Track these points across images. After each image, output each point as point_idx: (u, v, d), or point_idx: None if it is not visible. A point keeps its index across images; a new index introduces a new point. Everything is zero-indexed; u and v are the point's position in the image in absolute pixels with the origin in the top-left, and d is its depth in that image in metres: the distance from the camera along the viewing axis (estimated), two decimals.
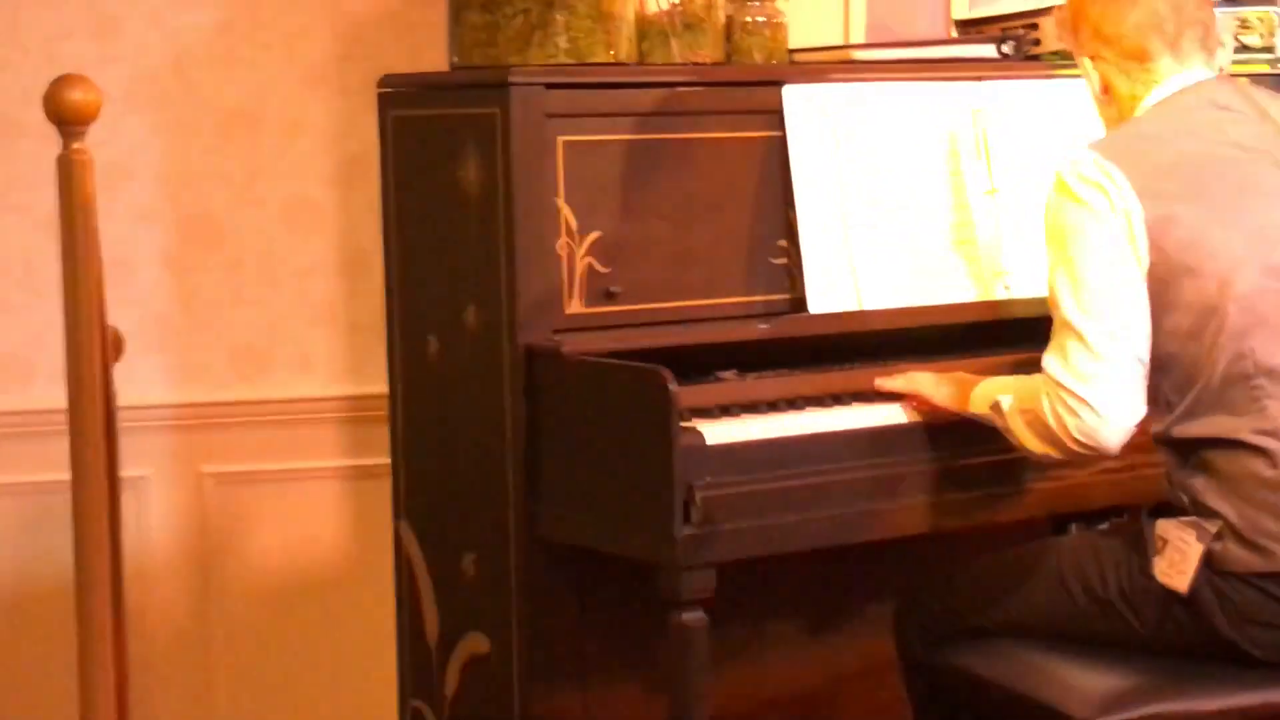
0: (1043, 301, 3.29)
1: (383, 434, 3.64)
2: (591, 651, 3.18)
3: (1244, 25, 3.65)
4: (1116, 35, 2.88)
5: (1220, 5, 3.66)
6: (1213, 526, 2.71)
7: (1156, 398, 2.78)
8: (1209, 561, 2.71)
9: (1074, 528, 3.41)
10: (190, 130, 3.81)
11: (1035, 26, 3.47)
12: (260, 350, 3.90)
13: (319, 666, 3.89)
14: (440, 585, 3.28)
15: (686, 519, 2.84)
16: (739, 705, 3.27)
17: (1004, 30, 3.49)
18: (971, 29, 3.55)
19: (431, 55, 3.70)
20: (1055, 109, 3.44)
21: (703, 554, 2.86)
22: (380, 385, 3.74)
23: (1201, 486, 2.74)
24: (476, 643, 3.21)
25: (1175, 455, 2.78)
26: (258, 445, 3.89)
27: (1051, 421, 2.75)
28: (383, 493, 3.63)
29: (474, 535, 3.19)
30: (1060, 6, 3.02)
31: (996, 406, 2.89)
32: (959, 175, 3.35)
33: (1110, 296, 2.73)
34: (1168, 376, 2.75)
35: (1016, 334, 3.26)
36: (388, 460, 3.58)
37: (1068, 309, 2.75)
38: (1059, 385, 2.74)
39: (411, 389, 3.32)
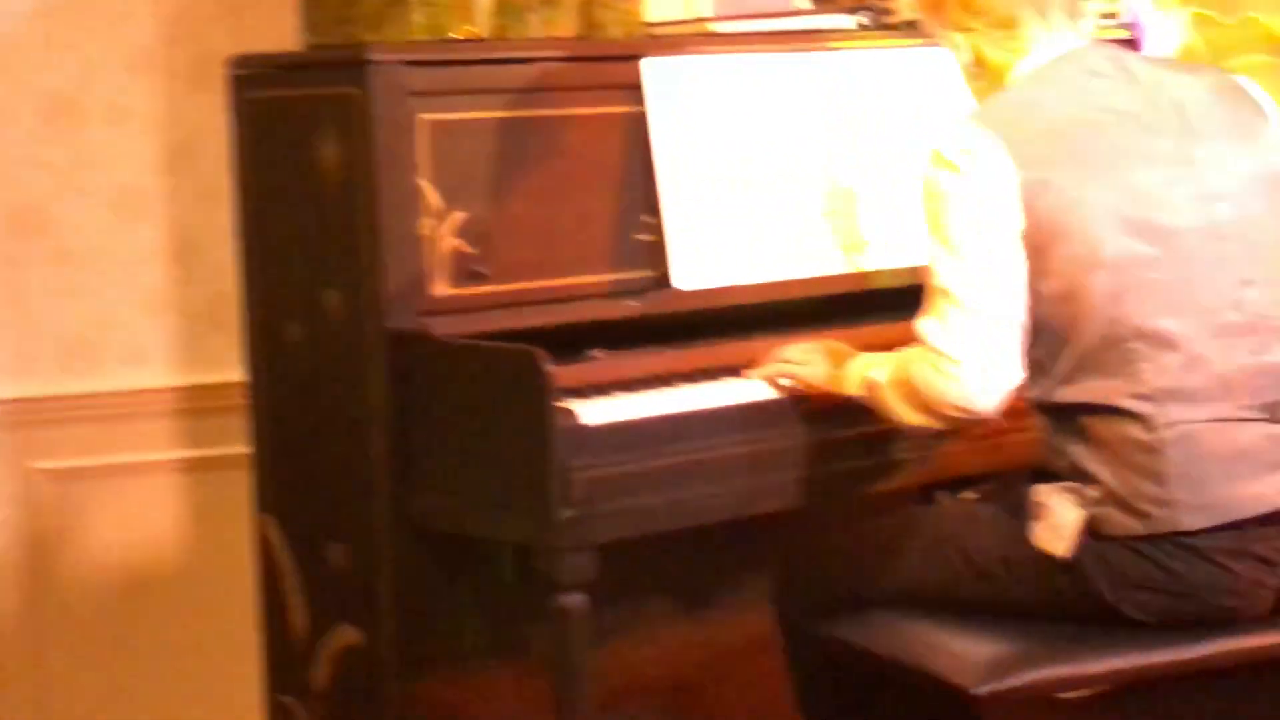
0: (905, 272, 3.34)
1: (225, 424, 3.57)
2: (468, 639, 3.13)
3: None
4: (985, 6, 2.87)
5: None
6: (1092, 491, 2.72)
7: (1032, 363, 2.78)
8: (1089, 526, 2.72)
9: (940, 496, 3.41)
10: (10, 117, 3.67)
11: None
12: (91, 342, 3.78)
13: (169, 667, 3.78)
14: (307, 578, 3.20)
15: (565, 501, 2.81)
16: (618, 687, 3.23)
17: (859, 1, 3.49)
18: (827, 0, 3.53)
19: (260, 36, 3.60)
20: (912, 79, 3.44)
21: (583, 536, 2.82)
22: (219, 374, 3.67)
23: (1079, 451, 2.74)
24: (347, 635, 3.14)
25: (1052, 420, 2.79)
26: (91, 439, 3.77)
27: (929, 388, 2.74)
28: (229, 485, 3.55)
29: (343, 525, 3.11)
30: None
31: (870, 384, 2.87)
32: (818, 146, 3.33)
33: (986, 262, 2.72)
34: (1043, 341, 2.75)
35: (880, 304, 3.26)
36: (232, 451, 3.50)
37: (944, 275, 2.74)
38: (937, 351, 2.73)
39: (271, 378, 3.24)
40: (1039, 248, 2.72)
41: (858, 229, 3.35)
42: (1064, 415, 2.76)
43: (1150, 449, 2.69)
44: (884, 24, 3.49)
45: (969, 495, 3.31)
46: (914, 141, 3.38)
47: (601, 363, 3.08)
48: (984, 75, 2.91)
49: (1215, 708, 2.76)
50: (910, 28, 3.46)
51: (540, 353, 2.80)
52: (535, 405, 2.80)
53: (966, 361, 2.71)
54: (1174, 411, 2.69)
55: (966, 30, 2.89)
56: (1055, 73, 2.83)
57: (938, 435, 3.03)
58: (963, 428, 2.91)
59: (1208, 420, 2.69)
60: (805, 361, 3.04)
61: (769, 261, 3.26)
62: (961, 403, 2.72)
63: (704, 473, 2.94)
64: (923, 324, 2.76)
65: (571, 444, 2.82)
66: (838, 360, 3.00)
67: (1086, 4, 2.90)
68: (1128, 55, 2.91)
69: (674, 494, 2.91)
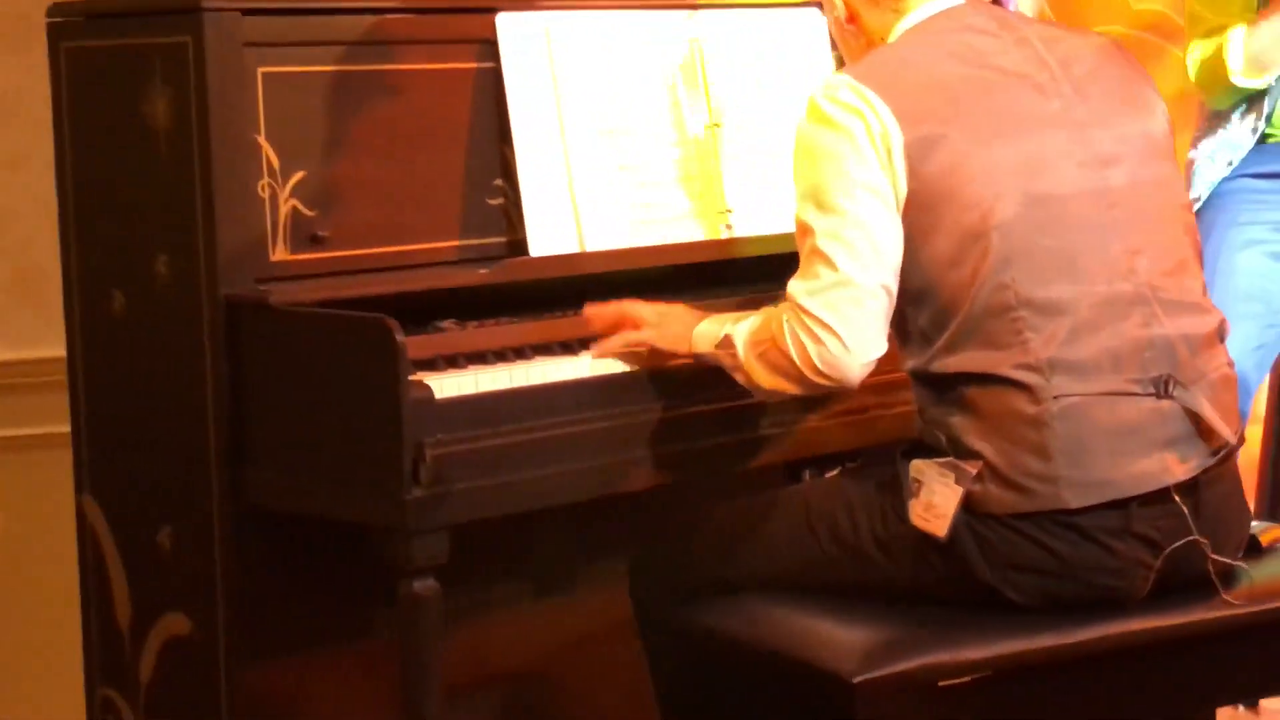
0: (766, 240, 3.21)
1: (41, 402, 3.36)
2: (307, 624, 2.94)
3: None
4: None
5: None
6: (972, 467, 2.58)
7: (913, 331, 2.65)
8: (968, 504, 2.58)
9: (808, 474, 3.28)
10: None
11: None
12: None
13: None
14: (132, 563, 2.98)
15: (416, 480, 2.63)
16: (468, 673, 3.06)
17: None
18: None
19: None
20: (776, 40, 3.30)
21: (435, 517, 2.65)
22: (28, 350, 3.46)
23: (960, 424, 2.61)
24: (175, 623, 2.93)
25: (932, 391, 2.65)
26: None
27: (793, 350, 2.60)
28: (41, 466, 3.35)
29: (172, 507, 2.90)
30: None
31: (726, 342, 2.73)
32: (679, 108, 3.18)
33: (862, 224, 2.59)
34: (926, 308, 2.62)
35: (741, 273, 3.13)
36: (50, 430, 3.29)
37: (818, 235, 2.60)
38: (805, 311, 2.59)
39: (94, 350, 3.01)
40: (925, 209, 2.59)
41: (717, 195, 3.20)
42: (945, 386, 2.63)
43: (1035, 422, 2.56)
44: None
45: (833, 474, 3.19)
46: (780, 106, 3.26)
47: (452, 334, 2.91)
48: (860, 34, 2.79)
49: (1098, 693, 2.64)
50: None
51: (391, 322, 2.62)
52: (386, 378, 2.62)
53: (837, 327, 2.57)
54: (1061, 384, 2.56)
55: None
56: (938, 28, 2.71)
57: (794, 403, 2.90)
58: (819, 395, 2.77)
59: (1095, 394, 2.57)
60: (649, 321, 2.87)
61: (627, 228, 3.10)
62: (826, 368, 2.59)
63: (562, 449, 2.78)
64: (794, 285, 2.62)
65: (423, 418, 2.64)
66: (685, 322, 2.84)
67: None
68: (1011, 15, 2.80)
69: (530, 472, 2.74)
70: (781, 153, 3.23)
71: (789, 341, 2.61)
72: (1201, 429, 2.62)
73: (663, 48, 3.17)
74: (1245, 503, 2.74)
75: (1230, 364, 2.72)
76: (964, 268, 2.59)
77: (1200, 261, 2.76)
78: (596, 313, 2.91)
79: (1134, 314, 2.62)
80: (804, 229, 2.63)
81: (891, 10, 2.74)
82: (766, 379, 2.68)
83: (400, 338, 2.61)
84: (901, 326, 2.67)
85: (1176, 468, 2.59)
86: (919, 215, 2.60)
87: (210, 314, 2.81)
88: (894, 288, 2.61)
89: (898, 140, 2.58)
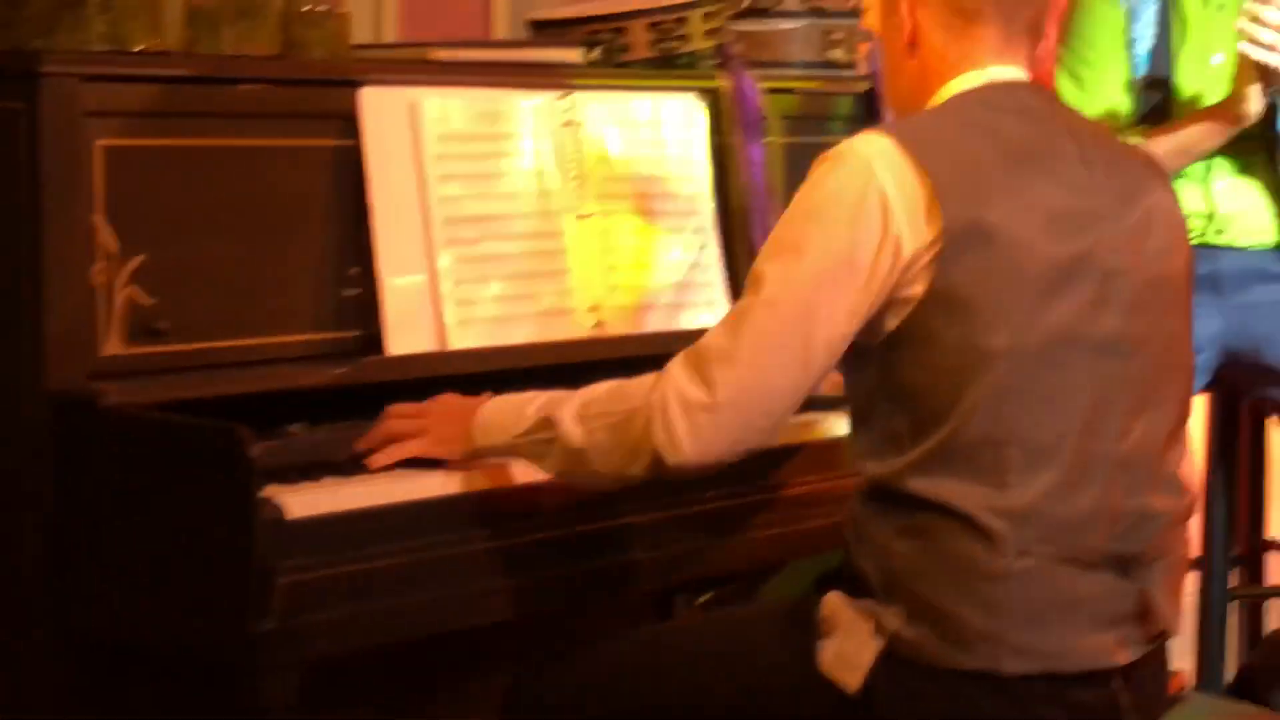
0: (640, 339, 2.99)
1: None
2: None
3: (830, 39, 3.39)
4: None
5: (807, 16, 3.41)
6: (903, 611, 2.33)
7: (885, 431, 2.36)
8: (892, 648, 2.34)
9: (679, 602, 3.05)
10: None
11: (623, 30, 3.10)
12: None
13: None
14: None
15: (267, 611, 2.35)
16: None
17: (589, 33, 3.11)
18: (551, 31, 3.14)
19: None
20: (653, 127, 3.10)
21: (287, 652, 2.37)
22: None
23: (905, 558, 2.34)
24: None
25: (882, 507, 2.37)
26: None
27: (659, 421, 2.32)
28: None
29: None
30: None
31: (548, 421, 2.46)
32: (552, 195, 2.95)
33: (825, 302, 2.31)
34: (909, 412, 2.34)
35: (612, 374, 2.89)
36: None
37: (770, 292, 2.32)
38: (708, 368, 2.31)
39: None
40: (944, 309, 2.30)
41: (593, 291, 2.97)
42: (904, 508, 2.35)
43: (990, 577, 2.31)
44: (618, 62, 3.12)
45: (703, 600, 2.98)
46: (657, 198, 3.07)
47: (303, 439, 2.65)
48: (914, 57, 2.48)
49: None
50: (648, 65, 3.12)
51: (244, 430, 2.34)
52: (234, 495, 2.34)
53: (727, 404, 2.31)
54: (1030, 540, 2.32)
55: (919, 4, 2.46)
56: (1000, 105, 2.43)
57: (672, 522, 2.69)
58: (664, 476, 2.42)
59: (1062, 559, 2.34)
60: (413, 429, 2.63)
61: (494, 324, 2.86)
62: (691, 449, 2.32)
63: (437, 573, 2.52)
64: (700, 345, 2.36)
65: (274, 541, 2.36)
66: (457, 417, 2.60)
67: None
68: (1075, 117, 2.56)
69: (399, 599, 2.48)
70: (655, 248, 3.06)
71: (661, 405, 2.34)
72: (1148, 614, 2.41)
73: (537, 130, 2.95)
74: (1167, 667, 2.55)
75: (1187, 545, 2.54)
76: (964, 386, 2.31)
77: (1186, 427, 2.55)
78: (368, 434, 2.65)
79: (1120, 480, 2.38)
80: (755, 275, 2.35)
81: (958, 50, 2.44)
82: (606, 458, 2.41)
83: (252, 450, 2.33)
84: (869, 420, 2.40)
85: (1118, 652, 2.38)
86: (931, 315, 2.31)
87: (33, 413, 2.50)
88: (817, 380, 2.35)
89: (927, 236, 2.30)
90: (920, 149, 2.33)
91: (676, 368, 2.36)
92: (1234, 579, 3.87)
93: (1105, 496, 2.37)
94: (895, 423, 2.36)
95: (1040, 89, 2.54)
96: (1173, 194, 2.56)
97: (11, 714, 2.55)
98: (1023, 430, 2.32)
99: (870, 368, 2.38)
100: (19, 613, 2.53)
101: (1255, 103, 3.37)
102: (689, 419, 2.33)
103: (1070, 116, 2.56)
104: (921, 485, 2.33)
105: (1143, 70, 3.52)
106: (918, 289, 2.32)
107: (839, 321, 2.33)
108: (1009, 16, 2.46)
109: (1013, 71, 2.47)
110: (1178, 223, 2.55)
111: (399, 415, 2.65)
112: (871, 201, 2.31)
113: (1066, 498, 2.35)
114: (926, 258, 2.31)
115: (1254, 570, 3.98)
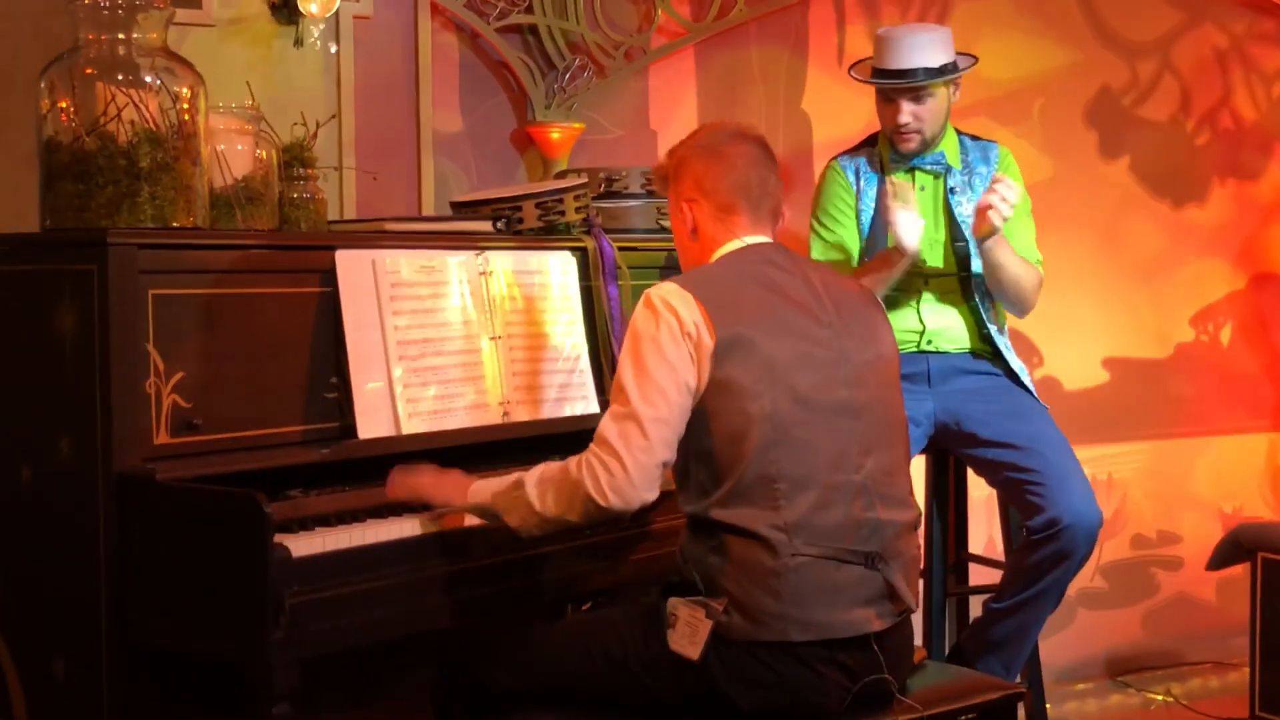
0: (535, 424, 2.99)
1: None
2: None
3: (661, 213, 3.43)
4: (714, 189, 2.57)
5: (645, 198, 3.45)
6: (719, 604, 2.40)
7: (694, 483, 2.46)
8: (715, 631, 2.40)
9: (570, 609, 3.04)
10: None
11: (519, 208, 3.13)
12: None
13: None
14: (32, 692, 2.59)
15: (277, 624, 2.34)
16: None
17: (495, 210, 3.13)
18: (468, 209, 3.16)
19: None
20: (541, 274, 3.10)
21: (292, 654, 2.36)
22: None
23: (715, 565, 2.42)
24: None
25: (699, 534, 2.45)
26: None
27: (587, 479, 2.40)
28: None
29: (66, 643, 2.53)
30: (664, 159, 2.68)
31: (515, 484, 2.51)
32: (472, 323, 2.95)
33: (665, 395, 2.41)
34: (709, 467, 2.43)
35: (514, 449, 2.90)
36: None
37: (631, 395, 2.42)
38: (609, 445, 2.40)
39: (3, 514, 2.63)
40: (720, 393, 2.42)
41: (501, 390, 2.97)
42: (710, 532, 2.43)
43: (774, 573, 2.39)
44: (516, 229, 3.15)
45: (586, 607, 2.97)
46: (544, 323, 3.07)
47: (299, 500, 2.62)
48: (696, 242, 2.62)
49: None
50: (537, 232, 3.15)
51: (260, 496, 2.33)
52: (254, 541, 2.34)
53: (630, 466, 2.39)
54: (799, 544, 2.40)
55: (694, 203, 2.59)
56: (746, 257, 2.55)
57: (565, 553, 2.69)
58: (602, 521, 2.50)
59: (822, 556, 2.42)
60: (427, 485, 2.64)
61: (433, 416, 2.85)
62: (613, 494, 2.40)
63: (395, 595, 2.51)
64: (605, 426, 2.43)
65: (282, 574, 2.35)
66: (458, 484, 2.61)
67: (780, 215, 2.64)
68: (801, 259, 2.64)
69: (370, 614, 2.47)
70: (545, 359, 3.07)
71: (586, 473, 2.41)
72: (893, 595, 2.49)
73: (460, 275, 2.95)
74: (912, 639, 2.62)
75: (919, 548, 2.61)
76: (742, 443, 2.41)
77: (909, 465, 2.64)
78: (392, 483, 2.66)
79: (859, 499, 2.48)
80: (621, 389, 2.44)
81: (725, 231, 2.58)
82: (551, 508, 2.46)
83: (269, 510, 2.33)
84: (685, 478, 2.48)
85: (874, 622, 2.45)
86: (713, 398, 2.42)
87: (104, 486, 2.48)
88: (673, 445, 2.43)
89: (707, 339, 2.42)
90: (696, 288, 2.48)
91: (596, 447, 2.43)
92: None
93: (849, 512, 2.46)
94: (701, 475, 2.46)
95: (781, 247, 2.64)
96: (879, 307, 2.68)
97: (91, 704, 2.50)
98: (786, 469, 2.42)
99: (682, 441, 2.47)
100: (94, 632, 2.50)
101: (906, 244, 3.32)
102: (609, 475, 2.40)
103: (805, 261, 2.67)
104: (723, 514, 2.43)
105: (866, 229, 3.58)
106: (704, 380, 2.42)
107: (680, 399, 2.43)
108: (756, 206, 2.61)
109: (762, 238, 2.60)
110: (883, 325, 2.66)
111: (402, 471, 2.66)
112: (672, 322, 2.44)
113: (822, 513, 2.43)
114: (710, 357, 2.42)
115: (961, 574, 4.01)
